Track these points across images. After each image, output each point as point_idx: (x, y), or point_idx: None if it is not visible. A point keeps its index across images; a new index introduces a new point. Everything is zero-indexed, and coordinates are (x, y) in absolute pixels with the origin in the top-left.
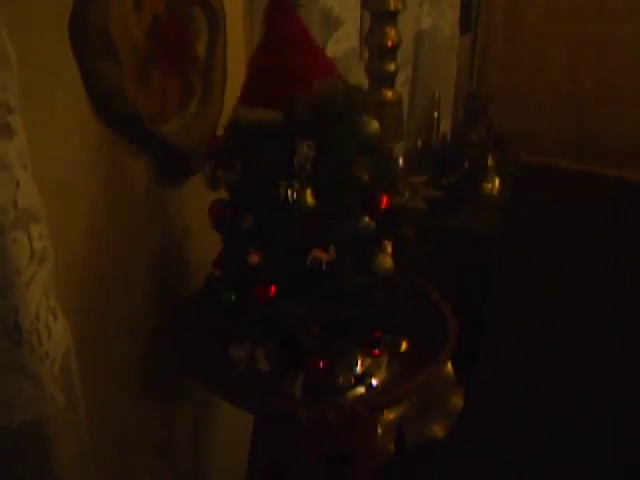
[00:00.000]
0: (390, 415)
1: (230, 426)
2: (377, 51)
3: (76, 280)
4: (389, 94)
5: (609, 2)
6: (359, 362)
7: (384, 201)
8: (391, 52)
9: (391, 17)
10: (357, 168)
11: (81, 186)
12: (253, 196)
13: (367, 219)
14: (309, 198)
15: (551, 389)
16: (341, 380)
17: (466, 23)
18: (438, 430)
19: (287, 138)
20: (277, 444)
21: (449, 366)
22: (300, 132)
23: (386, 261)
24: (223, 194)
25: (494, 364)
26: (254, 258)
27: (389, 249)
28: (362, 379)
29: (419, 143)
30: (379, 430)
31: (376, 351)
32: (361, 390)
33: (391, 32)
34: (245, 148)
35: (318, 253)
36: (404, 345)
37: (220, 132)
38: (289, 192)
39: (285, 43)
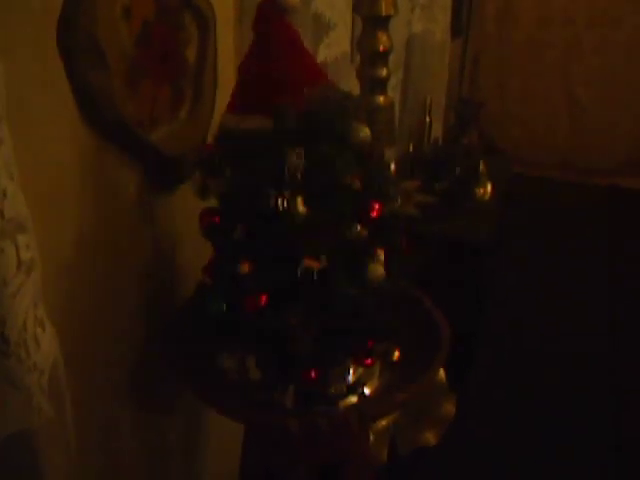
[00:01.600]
0: (382, 422)
1: (221, 432)
2: (369, 56)
3: (65, 290)
4: (381, 99)
5: (602, 8)
6: (351, 371)
7: (375, 209)
8: (383, 57)
9: (383, 22)
10: (348, 175)
11: (70, 195)
12: (243, 205)
13: (358, 227)
14: (300, 207)
15: (546, 392)
16: (333, 390)
17: (457, 28)
18: (430, 437)
19: (276, 147)
20: (268, 453)
21: (441, 372)
22: (290, 141)
23: (378, 270)
24: (213, 202)
25: (489, 367)
26: (244, 267)
27: (381, 257)
28: (354, 388)
29: (411, 148)
30: (371, 437)
31: (368, 360)
32: (353, 399)
33: (383, 37)
34: (234, 156)
35: (309, 262)
36: (396, 354)
37: (210, 140)
38: (279, 201)
39: (275, 50)
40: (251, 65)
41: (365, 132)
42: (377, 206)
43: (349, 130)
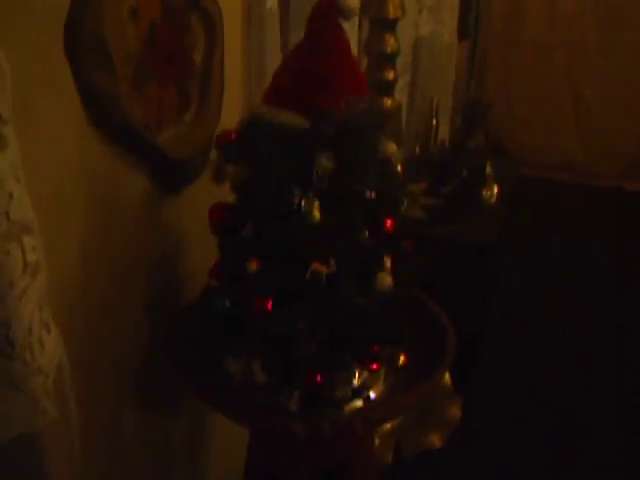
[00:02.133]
0: (387, 425)
1: (226, 434)
2: (376, 59)
3: (70, 291)
4: (388, 102)
5: (609, 9)
6: (356, 375)
7: (388, 224)
8: (390, 60)
9: (390, 25)
10: (367, 187)
11: (76, 197)
12: (261, 198)
13: (367, 234)
14: (316, 210)
15: (552, 393)
16: (338, 393)
17: (465, 30)
18: (435, 440)
19: (309, 147)
20: (273, 455)
21: (447, 376)
22: (323, 144)
23: (386, 279)
24: (224, 196)
25: (494, 368)
26: (253, 265)
27: (388, 265)
28: (359, 392)
29: (417, 150)
30: (376, 440)
31: (374, 365)
32: (359, 403)
33: (390, 40)
34: (263, 147)
35: (318, 266)
36: (402, 359)
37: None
38: (303, 202)
39: (323, 48)
40: (296, 59)
41: (393, 149)
42: (389, 222)
43: (378, 145)
